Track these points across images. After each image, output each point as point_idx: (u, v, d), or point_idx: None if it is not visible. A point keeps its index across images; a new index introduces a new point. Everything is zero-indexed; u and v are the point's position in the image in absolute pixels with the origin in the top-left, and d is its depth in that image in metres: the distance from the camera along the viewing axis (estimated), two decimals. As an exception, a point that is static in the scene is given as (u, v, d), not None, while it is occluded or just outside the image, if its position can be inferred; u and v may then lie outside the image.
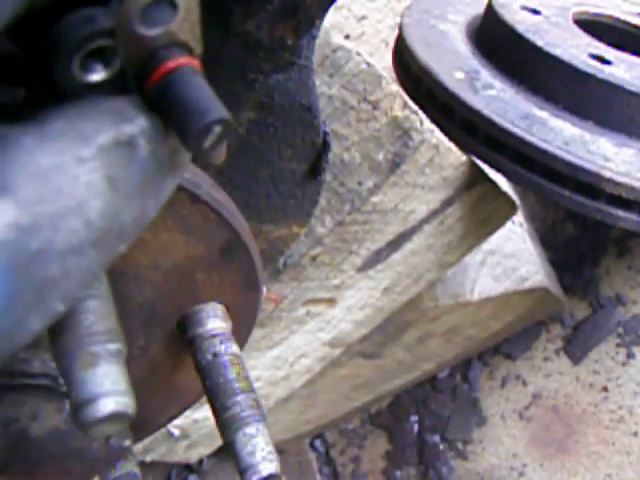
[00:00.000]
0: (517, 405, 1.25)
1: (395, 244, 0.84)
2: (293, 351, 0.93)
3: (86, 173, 0.30)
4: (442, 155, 0.77)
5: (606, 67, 0.86)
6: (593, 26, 0.98)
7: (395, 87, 0.74)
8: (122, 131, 0.32)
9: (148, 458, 1.02)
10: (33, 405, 0.44)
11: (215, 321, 0.49)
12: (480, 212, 0.87)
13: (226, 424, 0.47)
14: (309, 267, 0.80)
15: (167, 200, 0.35)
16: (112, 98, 0.33)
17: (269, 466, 0.46)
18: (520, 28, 0.90)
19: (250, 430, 0.46)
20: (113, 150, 0.31)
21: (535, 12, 0.95)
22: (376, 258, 0.84)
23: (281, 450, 1.26)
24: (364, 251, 0.82)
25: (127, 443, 0.49)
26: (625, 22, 1.03)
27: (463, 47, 0.93)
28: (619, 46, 0.93)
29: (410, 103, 0.74)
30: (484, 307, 1.09)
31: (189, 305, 0.49)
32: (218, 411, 0.48)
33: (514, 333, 1.26)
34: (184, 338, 0.50)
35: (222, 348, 0.49)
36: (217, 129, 0.32)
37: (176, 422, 0.68)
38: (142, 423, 0.51)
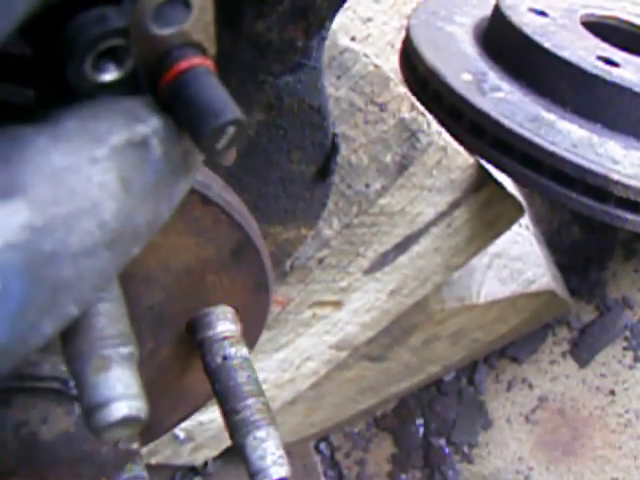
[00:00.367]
0: (523, 408, 1.25)
1: (402, 246, 0.83)
2: (299, 354, 0.92)
3: (99, 173, 0.30)
4: (449, 157, 0.77)
5: (614, 69, 0.85)
6: (601, 28, 0.98)
7: (403, 89, 0.74)
8: (135, 131, 0.32)
9: (153, 460, 1.02)
10: (43, 408, 0.44)
11: (225, 324, 0.49)
12: (487, 215, 0.86)
13: (236, 427, 0.47)
14: (316, 269, 0.79)
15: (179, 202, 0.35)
16: (125, 98, 0.33)
17: (279, 470, 0.46)
18: (528, 30, 0.89)
19: (260, 434, 0.46)
20: (126, 151, 0.31)
21: (542, 14, 0.95)
22: (383, 260, 0.84)
23: (286, 453, 1.26)
24: (371, 253, 0.82)
25: (135, 446, 0.48)
26: (633, 24, 1.03)
27: (470, 49, 0.93)
28: (627, 48, 0.93)
29: (418, 105, 0.74)
30: (490, 310, 1.09)
31: (199, 307, 0.49)
32: (228, 414, 0.48)
33: (520, 336, 1.25)
34: (193, 341, 0.50)
35: (232, 351, 0.48)
36: (231, 130, 0.32)
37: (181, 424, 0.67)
38: (150, 426, 0.51)
